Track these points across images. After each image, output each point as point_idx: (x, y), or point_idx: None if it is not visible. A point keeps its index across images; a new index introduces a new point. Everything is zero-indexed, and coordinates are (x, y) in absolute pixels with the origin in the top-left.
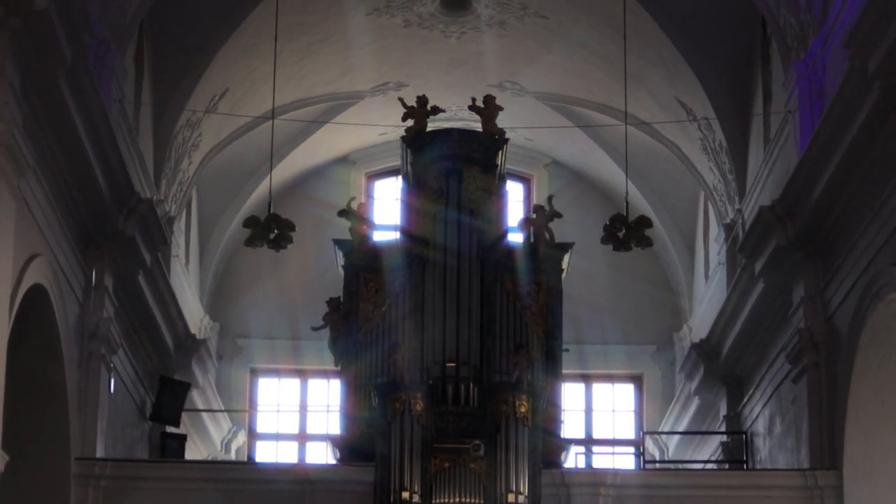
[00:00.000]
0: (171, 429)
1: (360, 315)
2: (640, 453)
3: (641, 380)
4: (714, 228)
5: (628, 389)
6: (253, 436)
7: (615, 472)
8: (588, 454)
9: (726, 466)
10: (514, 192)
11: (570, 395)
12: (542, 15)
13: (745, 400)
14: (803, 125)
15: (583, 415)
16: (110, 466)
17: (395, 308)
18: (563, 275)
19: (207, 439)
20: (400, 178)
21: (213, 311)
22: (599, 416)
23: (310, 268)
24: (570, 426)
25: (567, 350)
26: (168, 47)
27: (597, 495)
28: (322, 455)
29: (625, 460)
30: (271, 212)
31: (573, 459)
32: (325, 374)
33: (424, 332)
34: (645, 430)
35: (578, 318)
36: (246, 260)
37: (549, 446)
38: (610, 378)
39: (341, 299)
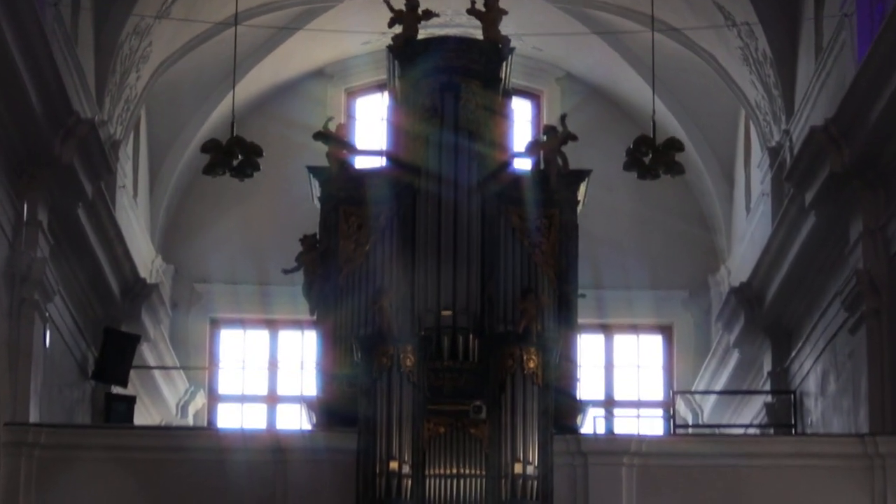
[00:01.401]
0: (117, 389)
1: (339, 255)
2: (669, 417)
3: (671, 331)
4: (757, 153)
5: (656, 342)
6: (214, 397)
7: (640, 439)
8: (609, 418)
9: (771, 431)
10: (521, 111)
11: (588, 348)
12: None
13: (794, 354)
14: (861, 31)
15: (602, 371)
16: (45, 433)
17: (380, 247)
18: (579, 208)
19: (160, 401)
20: (386, 94)
21: (166, 252)
22: (622, 373)
23: (280, 200)
24: (588, 385)
25: (583, 296)
26: None
27: (619, 465)
28: (295, 420)
29: (652, 425)
30: (234, 134)
31: (591, 424)
32: (298, 324)
33: (415, 274)
34: (675, 389)
35: (597, 259)
36: (205, 191)
37: (563, 408)
38: (634, 329)
39: (317, 237)
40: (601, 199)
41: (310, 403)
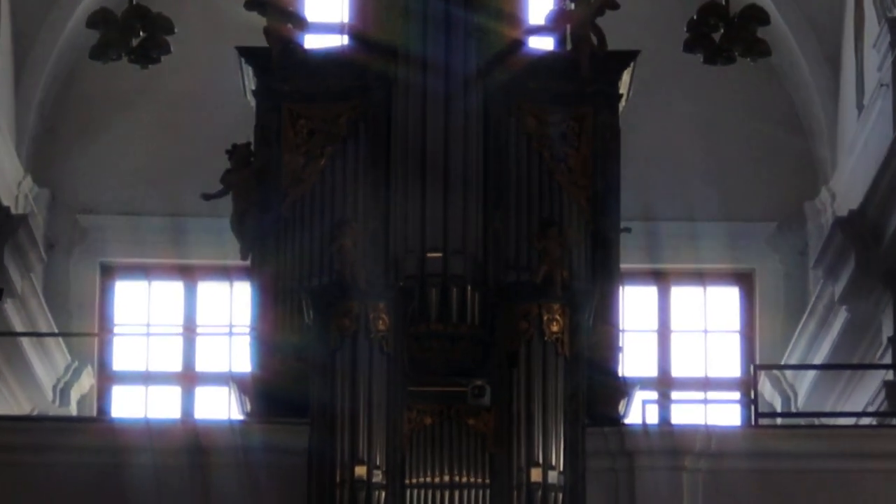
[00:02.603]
0: None
1: (283, 174)
2: (749, 401)
3: (751, 280)
4: (872, 26)
5: (730, 296)
6: (106, 376)
7: (708, 433)
8: (664, 403)
9: (893, 422)
10: None
11: (635, 305)
12: None
13: None
14: None
15: (655, 338)
16: None
17: (340, 161)
18: (622, 105)
19: (29, 381)
20: None
21: (38, 171)
22: (683, 340)
23: (198, 96)
24: (635, 357)
25: (628, 230)
26: None
27: (678, 470)
28: (221, 407)
29: (725, 413)
30: (134, 2)
31: (639, 411)
32: (224, 273)
33: (391, 200)
34: (757, 362)
35: (647, 179)
36: (93, 85)
37: (599, 390)
38: (700, 278)
39: (251, 148)
40: (653, 92)
41: (241, 384)
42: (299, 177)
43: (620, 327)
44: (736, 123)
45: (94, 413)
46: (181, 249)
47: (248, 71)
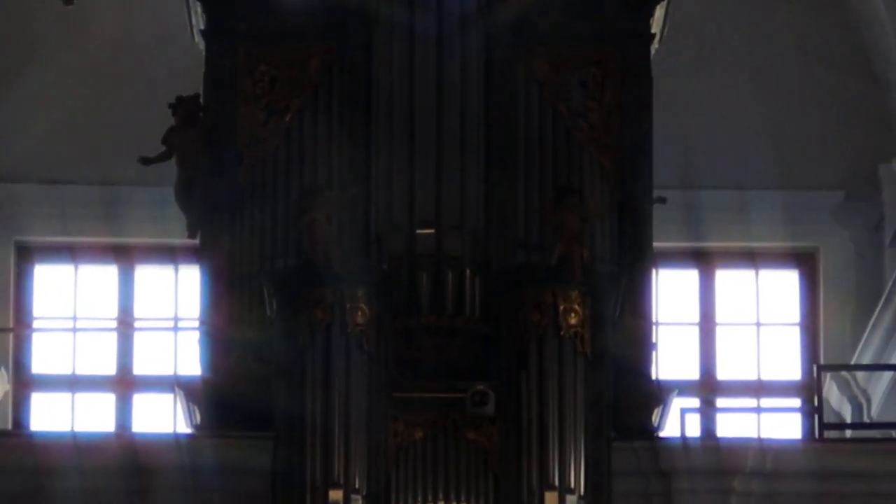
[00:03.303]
0: None
1: (239, 133)
2: (812, 410)
3: (814, 261)
4: None
5: (788, 281)
6: (24, 380)
7: (762, 448)
8: (708, 412)
9: None
10: None
11: (672, 291)
12: None
13: None
14: None
15: (696, 332)
16: None
17: (310, 117)
18: (654, 47)
19: None
20: None
21: None
22: (730, 334)
23: (134, 37)
24: (672, 356)
25: (663, 200)
26: None
27: (726, 493)
28: (165, 418)
29: (782, 423)
30: None
31: (677, 422)
32: (168, 254)
33: (372, 165)
34: (822, 362)
35: (686, 138)
36: (4, 26)
37: (629, 396)
38: (751, 258)
39: (200, 100)
40: (693, 32)
41: (189, 390)
42: (259, 136)
43: (654, 319)
44: (795, 70)
45: (10, 426)
46: (114, 226)
47: (196, 6)
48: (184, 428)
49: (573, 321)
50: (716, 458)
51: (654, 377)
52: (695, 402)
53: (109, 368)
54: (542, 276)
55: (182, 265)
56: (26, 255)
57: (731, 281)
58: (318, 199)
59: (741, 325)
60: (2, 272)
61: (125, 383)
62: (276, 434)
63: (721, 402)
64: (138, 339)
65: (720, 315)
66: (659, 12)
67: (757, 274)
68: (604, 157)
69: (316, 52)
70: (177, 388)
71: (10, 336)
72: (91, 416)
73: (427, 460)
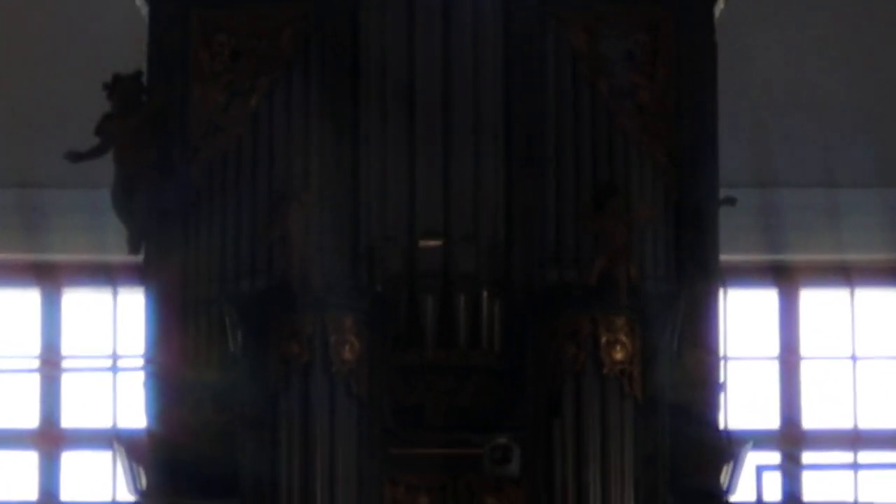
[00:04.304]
0: None
1: (193, 119)
2: None
3: None
4: None
5: (892, 301)
6: None
7: None
8: (790, 469)
9: None
10: None
11: (745, 318)
12: None
13: None
14: None
15: (776, 369)
16: None
17: (282, 100)
18: (718, 9)
19: None
20: None
21: None
22: (819, 371)
23: (61, 1)
24: (746, 399)
25: (733, 202)
26: None
27: None
28: (101, 482)
29: (886, 483)
30: None
31: (752, 482)
32: (104, 274)
33: (361, 161)
34: None
35: (762, 123)
36: None
37: (691, 450)
38: (845, 274)
39: (143, 80)
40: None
41: (131, 447)
42: (218, 123)
43: (722, 353)
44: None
45: None
46: (36, 239)
47: None
48: (125, 495)
49: (619, 356)
50: None
51: (722, 426)
52: (775, 458)
53: (31, 420)
54: (578, 299)
55: (122, 288)
56: None
57: (819, 303)
58: (293, 205)
59: (833, 360)
60: None
61: (51, 438)
62: (242, 503)
63: (808, 457)
64: (67, 382)
65: (806, 347)
66: None
67: (852, 294)
68: (656, 148)
69: (289, 18)
70: (116, 445)
71: None
72: (9, 477)
73: None
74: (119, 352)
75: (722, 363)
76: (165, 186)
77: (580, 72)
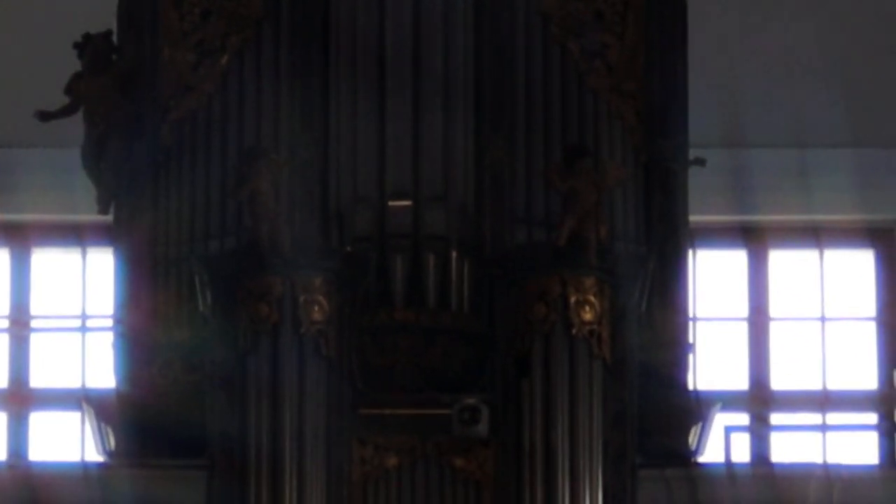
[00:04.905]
0: None
1: (162, 78)
2: (892, 428)
3: (893, 238)
4: None
5: (861, 263)
6: None
7: (828, 476)
8: (759, 431)
9: None
10: None
11: (714, 279)
12: None
13: None
14: None
15: (745, 330)
16: None
17: (252, 59)
18: None
19: None
20: None
21: None
22: (787, 332)
23: None
24: (714, 360)
25: (702, 163)
26: None
27: None
28: (69, 443)
29: (854, 445)
30: None
31: (720, 444)
32: (74, 234)
33: (331, 120)
34: None
35: (732, 83)
36: None
37: (660, 412)
38: (814, 235)
39: (113, 38)
40: None
41: (100, 408)
42: (188, 83)
43: (691, 314)
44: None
45: None
46: (5, 198)
47: None
48: (94, 455)
49: (588, 316)
50: (770, 490)
51: (690, 387)
52: (743, 419)
53: (0, 379)
54: (548, 260)
55: (91, 248)
56: None
57: (788, 264)
58: (262, 164)
59: (802, 321)
60: None
61: (19, 398)
62: (210, 463)
63: (776, 418)
64: (36, 341)
65: (775, 308)
66: None
67: (821, 255)
68: (626, 108)
69: None
70: (85, 405)
71: None
72: None
73: (403, 495)
74: (88, 312)
75: (691, 324)
76: (135, 146)
77: (550, 32)
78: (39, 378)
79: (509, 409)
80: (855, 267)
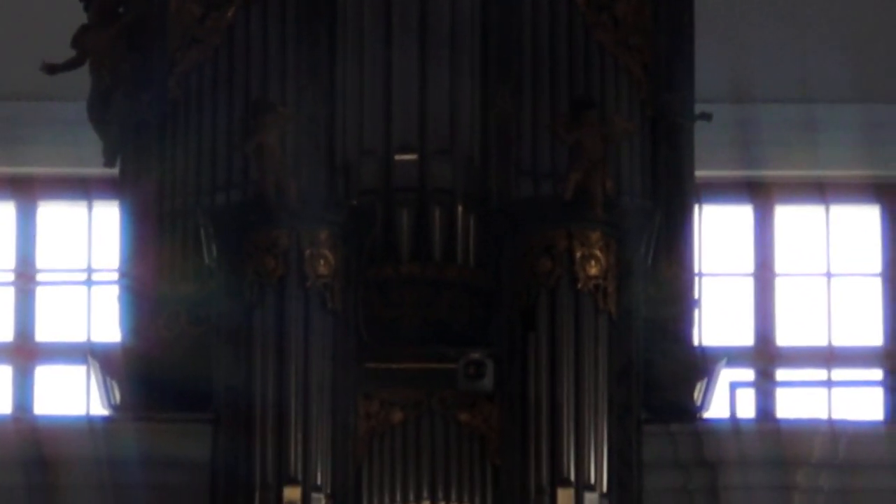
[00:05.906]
0: None
1: (169, 31)
2: None
3: None
4: None
5: (867, 219)
6: None
7: (833, 432)
8: (764, 386)
9: None
10: None
11: (720, 234)
12: None
13: None
14: None
15: (750, 285)
16: None
17: (258, 11)
18: None
19: None
20: None
21: None
22: (793, 288)
23: None
24: (720, 316)
25: (708, 118)
26: None
27: (787, 490)
28: (75, 396)
29: (859, 401)
30: None
31: (726, 400)
32: (80, 187)
33: (337, 74)
34: None
35: (739, 37)
36: None
37: (665, 367)
38: (819, 191)
39: None
40: None
41: (105, 361)
42: (195, 35)
43: (696, 269)
44: None
45: None
46: (12, 152)
47: None
48: (99, 409)
49: (593, 271)
50: (775, 445)
51: (696, 343)
52: (748, 375)
53: (5, 333)
54: (553, 213)
55: (97, 201)
56: None
57: (794, 219)
58: (268, 117)
59: (807, 277)
60: None
61: (24, 352)
62: (216, 416)
63: (782, 374)
64: (41, 295)
65: (781, 264)
66: None
67: (827, 210)
68: (632, 61)
69: None
70: (90, 359)
71: None
72: None
73: (408, 449)
74: (94, 265)
75: (697, 279)
76: (142, 98)
77: None
78: (45, 332)
79: (515, 363)
80: (861, 222)
